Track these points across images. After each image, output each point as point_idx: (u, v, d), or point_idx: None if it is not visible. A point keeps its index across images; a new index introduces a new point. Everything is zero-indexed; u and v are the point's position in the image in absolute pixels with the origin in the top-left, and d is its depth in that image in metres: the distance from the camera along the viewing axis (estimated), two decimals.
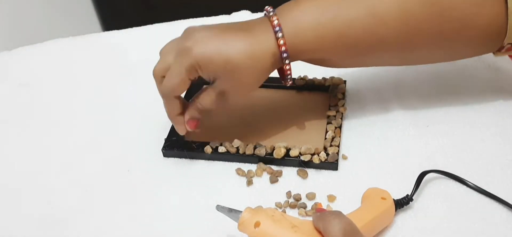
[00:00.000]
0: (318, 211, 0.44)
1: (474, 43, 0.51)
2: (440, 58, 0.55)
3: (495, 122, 0.55)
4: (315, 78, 0.62)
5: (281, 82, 0.53)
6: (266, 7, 0.50)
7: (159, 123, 0.59)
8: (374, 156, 0.53)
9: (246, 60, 0.47)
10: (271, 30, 0.48)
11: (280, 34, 0.47)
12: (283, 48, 0.47)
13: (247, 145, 0.53)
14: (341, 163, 0.52)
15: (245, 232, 0.41)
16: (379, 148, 0.54)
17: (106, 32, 0.80)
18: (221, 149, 0.54)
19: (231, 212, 0.43)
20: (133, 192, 0.52)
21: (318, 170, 0.52)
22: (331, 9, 0.48)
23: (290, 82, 0.51)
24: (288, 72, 0.50)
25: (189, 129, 0.53)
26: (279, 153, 0.52)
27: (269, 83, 0.55)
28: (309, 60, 0.51)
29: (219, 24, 0.50)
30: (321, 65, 0.53)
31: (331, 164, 0.52)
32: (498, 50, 0.52)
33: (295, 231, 0.40)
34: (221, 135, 0.56)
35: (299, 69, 0.62)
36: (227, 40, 0.47)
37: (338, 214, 0.39)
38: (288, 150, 0.53)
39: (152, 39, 0.77)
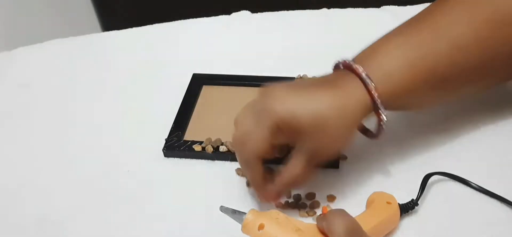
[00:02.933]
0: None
1: None
2: None
3: (496, 122, 0.55)
4: (314, 77, 0.62)
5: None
6: (339, 60, 0.48)
7: (160, 124, 0.59)
8: (374, 156, 0.53)
9: (336, 113, 0.44)
10: (358, 80, 0.45)
11: (370, 83, 0.44)
12: (376, 96, 0.44)
13: None
14: (340, 163, 0.52)
15: (249, 234, 0.41)
16: (378, 148, 0.53)
17: (106, 32, 0.80)
18: (222, 148, 0.54)
19: (235, 214, 0.42)
20: (134, 193, 0.52)
21: (318, 170, 0.52)
22: (415, 49, 0.46)
23: (379, 136, 0.48)
24: (382, 122, 0.46)
25: (275, 204, 0.49)
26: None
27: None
28: (396, 107, 0.48)
29: (297, 80, 0.47)
30: (405, 110, 0.51)
31: (332, 162, 0.52)
32: None
33: (299, 235, 0.39)
34: (221, 135, 0.56)
35: (298, 69, 0.62)
36: (312, 94, 0.45)
37: (341, 212, 0.39)
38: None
39: (152, 39, 0.77)
